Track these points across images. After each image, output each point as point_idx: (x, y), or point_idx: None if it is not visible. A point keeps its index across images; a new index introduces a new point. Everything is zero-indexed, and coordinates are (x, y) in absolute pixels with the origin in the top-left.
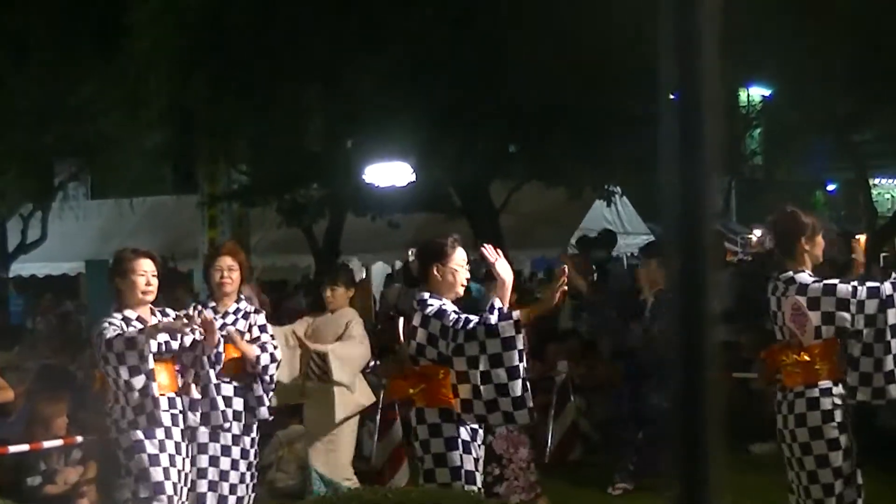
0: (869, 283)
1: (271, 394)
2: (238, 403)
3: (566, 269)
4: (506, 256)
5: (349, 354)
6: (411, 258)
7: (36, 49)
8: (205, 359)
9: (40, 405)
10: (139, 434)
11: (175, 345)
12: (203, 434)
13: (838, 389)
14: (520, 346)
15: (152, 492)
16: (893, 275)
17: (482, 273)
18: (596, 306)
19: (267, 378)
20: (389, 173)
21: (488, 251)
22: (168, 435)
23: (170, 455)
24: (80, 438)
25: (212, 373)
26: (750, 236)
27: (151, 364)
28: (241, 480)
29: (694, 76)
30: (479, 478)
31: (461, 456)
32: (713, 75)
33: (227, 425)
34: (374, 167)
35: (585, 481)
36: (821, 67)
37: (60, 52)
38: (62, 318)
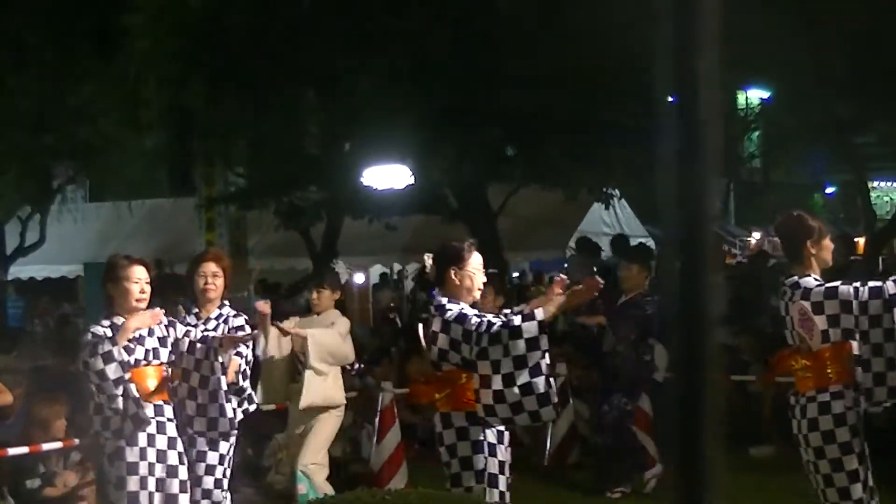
0: (871, 283)
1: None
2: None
3: (563, 278)
4: (503, 259)
5: (328, 342)
6: (428, 262)
7: (34, 51)
8: (217, 364)
9: (39, 408)
10: (122, 441)
11: (164, 352)
12: (202, 442)
13: (850, 393)
14: (544, 346)
15: (125, 501)
16: None
17: None
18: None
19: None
20: (387, 176)
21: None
22: (150, 442)
23: (149, 464)
24: (78, 441)
25: (223, 379)
26: (749, 239)
27: (126, 371)
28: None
29: (692, 79)
30: (503, 481)
31: (486, 459)
32: (712, 78)
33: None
34: (371, 170)
35: (584, 484)
36: (819, 70)
37: (59, 55)
38: (60, 320)
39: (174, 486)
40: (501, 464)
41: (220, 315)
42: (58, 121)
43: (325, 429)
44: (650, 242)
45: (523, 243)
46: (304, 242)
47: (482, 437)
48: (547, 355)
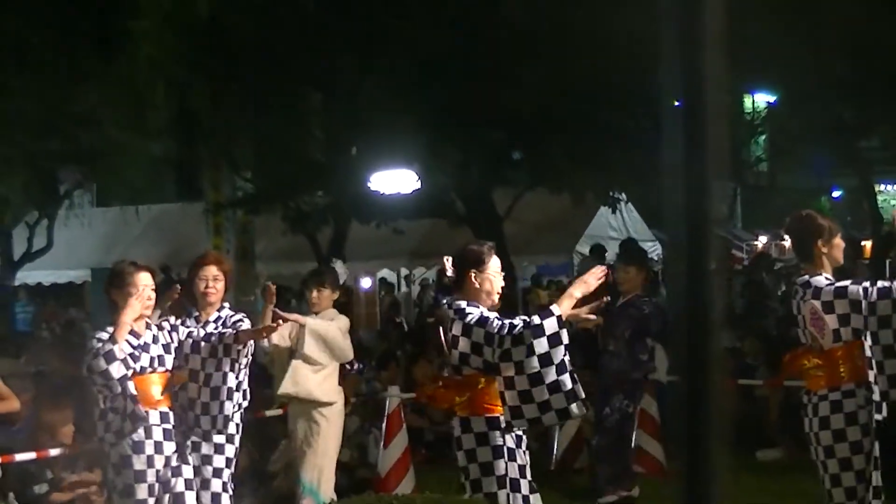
0: (880, 284)
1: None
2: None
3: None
4: (509, 263)
5: (324, 331)
6: (448, 266)
7: (40, 56)
8: (227, 360)
9: (46, 413)
10: (128, 449)
11: (169, 359)
12: (207, 446)
13: (862, 391)
14: (565, 340)
15: None
16: None
17: None
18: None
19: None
20: (394, 180)
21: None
22: (158, 450)
23: (157, 471)
24: (86, 446)
25: (230, 376)
26: (755, 243)
27: (129, 369)
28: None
29: (698, 82)
30: (525, 484)
31: (507, 464)
32: (717, 81)
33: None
34: (378, 174)
35: (590, 490)
36: (824, 74)
37: (65, 59)
38: (66, 325)
39: (182, 493)
40: (521, 468)
41: (219, 318)
42: (64, 126)
43: (328, 442)
44: (657, 246)
45: (530, 247)
46: (311, 247)
47: (502, 442)
48: (568, 350)
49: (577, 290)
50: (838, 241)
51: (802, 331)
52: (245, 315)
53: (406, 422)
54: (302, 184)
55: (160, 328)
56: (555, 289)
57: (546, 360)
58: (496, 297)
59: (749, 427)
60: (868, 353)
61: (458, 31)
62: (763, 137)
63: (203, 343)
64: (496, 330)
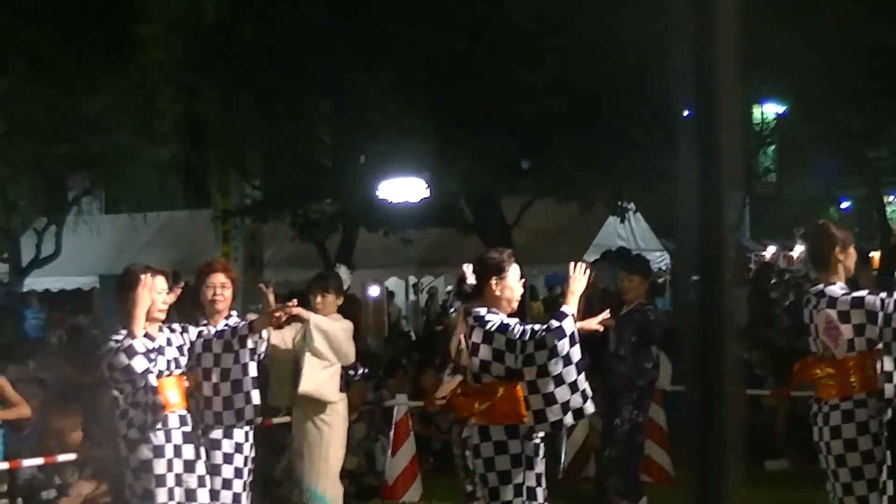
0: None
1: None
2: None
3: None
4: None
5: (331, 329)
6: (468, 273)
7: (49, 61)
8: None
9: (54, 419)
10: (148, 452)
11: (184, 361)
12: (228, 444)
13: (873, 401)
14: (577, 338)
15: None
16: None
17: None
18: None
19: None
20: (402, 189)
21: (577, 266)
22: (177, 453)
23: (176, 475)
24: (93, 452)
25: (251, 365)
26: (763, 253)
27: (150, 362)
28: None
29: (711, 93)
30: (541, 493)
31: (524, 473)
32: (731, 91)
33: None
34: (387, 182)
35: (598, 499)
36: (834, 84)
37: (73, 65)
38: (73, 332)
39: (202, 495)
40: (538, 476)
41: (227, 325)
42: (73, 132)
43: (331, 448)
44: (665, 256)
45: (538, 256)
46: (319, 254)
47: (520, 451)
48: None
49: (577, 286)
50: (852, 251)
51: (814, 340)
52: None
53: (413, 430)
54: (310, 191)
55: (172, 330)
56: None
57: (567, 360)
58: (515, 305)
59: (756, 437)
60: (882, 364)
61: (468, 39)
62: (772, 147)
63: (215, 339)
64: (518, 336)
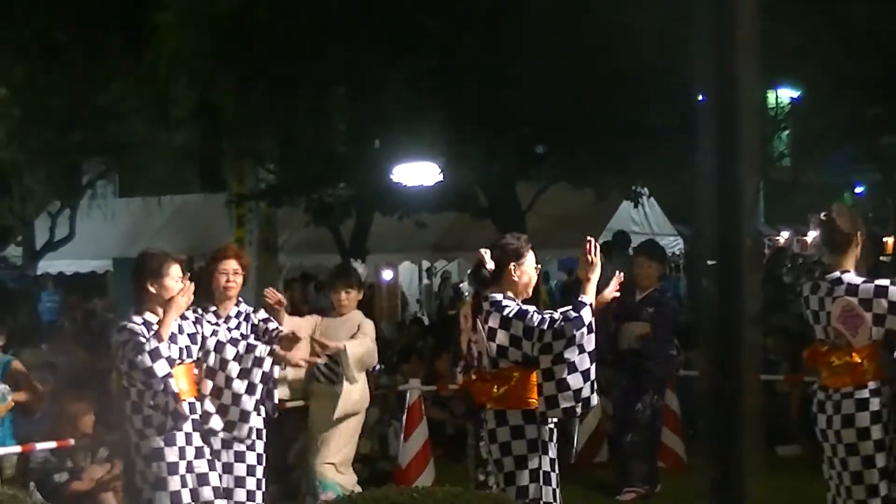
0: None
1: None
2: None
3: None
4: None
5: (363, 354)
6: (487, 258)
7: (64, 49)
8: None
9: (67, 403)
10: (160, 441)
11: (195, 349)
12: (239, 444)
13: (886, 389)
14: (594, 327)
15: (169, 501)
16: None
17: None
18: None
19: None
20: (417, 173)
21: (591, 245)
22: (188, 441)
23: (188, 462)
24: (106, 436)
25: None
26: (777, 238)
27: (172, 367)
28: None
29: (731, 80)
30: (555, 478)
31: (541, 457)
32: (750, 79)
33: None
34: (401, 167)
35: (610, 483)
36: (849, 70)
37: (88, 52)
38: (86, 315)
39: (214, 479)
40: (552, 461)
41: (240, 312)
42: (88, 118)
43: (348, 438)
44: (679, 241)
45: (552, 242)
46: (333, 239)
47: (537, 436)
48: None
49: (592, 273)
50: (864, 238)
51: (824, 327)
52: (268, 315)
53: (426, 415)
54: (325, 176)
55: (185, 318)
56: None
57: (582, 349)
58: (530, 291)
59: (769, 423)
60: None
61: (483, 25)
62: (786, 133)
63: (229, 345)
64: (536, 324)
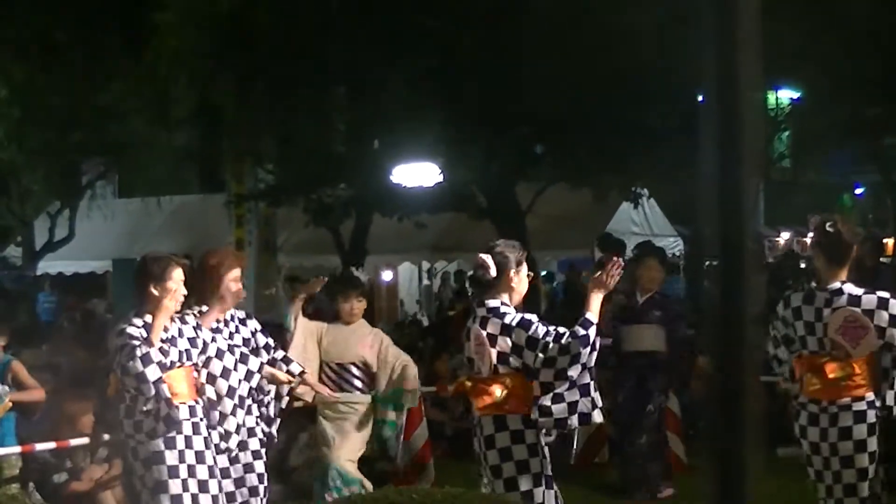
0: None
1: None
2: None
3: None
4: (531, 258)
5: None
6: (489, 263)
7: (64, 49)
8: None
9: (66, 403)
10: (160, 444)
11: (195, 353)
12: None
13: (877, 401)
14: (597, 346)
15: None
16: None
17: None
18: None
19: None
20: (416, 173)
21: (614, 265)
22: (188, 444)
23: (189, 466)
24: (106, 436)
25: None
26: (777, 239)
27: (164, 372)
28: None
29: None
30: (551, 481)
31: (542, 462)
32: (752, 80)
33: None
34: (401, 167)
35: (610, 485)
36: (849, 70)
37: (89, 52)
38: (86, 315)
39: (213, 486)
40: (547, 464)
41: (234, 316)
42: (87, 118)
43: (364, 434)
44: (678, 242)
45: (551, 242)
46: (333, 240)
47: (536, 440)
48: None
49: (600, 292)
50: (858, 248)
51: (820, 338)
52: (261, 327)
53: (426, 415)
54: (324, 176)
55: (184, 322)
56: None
57: (584, 366)
58: (520, 298)
59: (770, 423)
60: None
61: (482, 26)
62: (786, 133)
63: (227, 353)
64: (541, 336)
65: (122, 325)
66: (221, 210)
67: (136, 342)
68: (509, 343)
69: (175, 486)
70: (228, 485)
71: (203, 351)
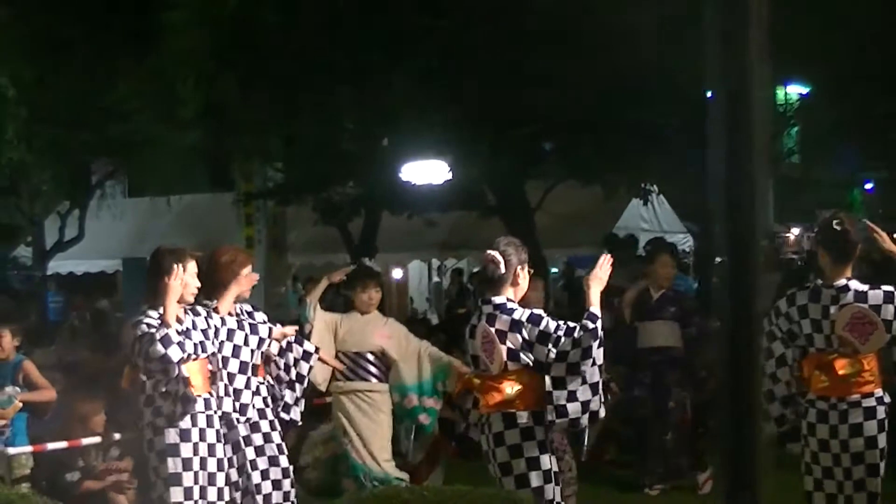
0: None
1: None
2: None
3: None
4: (540, 255)
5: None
6: (499, 260)
7: (73, 48)
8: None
9: (78, 402)
10: (175, 437)
11: (209, 345)
12: (258, 437)
13: (887, 397)
14: (603, 342)
15: (182, 496)
16: None
17: None
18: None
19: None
20: (425, 171)
21: (604, 260)
22: (202, 437)
23: (201, 458)
24: (118, 435)
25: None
26: (787, 235)
27: (184, 352)
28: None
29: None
30: (559, 478)
31: (550, 458)
32: (762, 73)
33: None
34: (410, 165)
35: (620, 481)
36: (858, 66)
37: (96, 52)
38: (96, 315)
39: (221, 479)
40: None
41: (242, 309)
42: (95, 117)
43: (388, 427)
44: (688, 239)
45: (561, 240)
46: (342, 238)
47: (545, 437)
48: None
49: (599, 286)
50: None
51: (827, 335)
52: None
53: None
54: (333, 174)
55: (197, 314)
56: None
57: (594, 362)
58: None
59: None
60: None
61: (490, 23)
62: (795, 129)
63: (238, 331)
64: (553, 330)
65: (138, 317)
66: (230, 209)
67: (154, 329)
68: (519, 339)
69: (188, 479)
70: (233, 474)
71: (216, 335)
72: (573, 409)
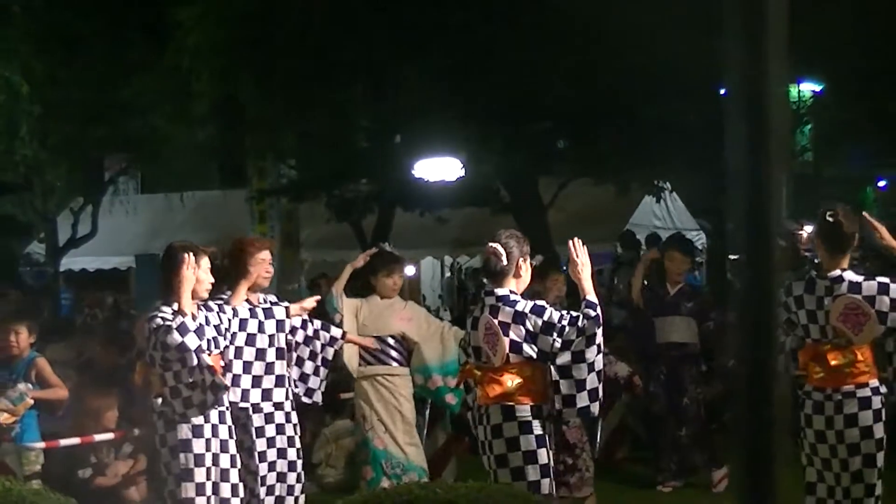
0: None
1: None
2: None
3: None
4: (554, 252)
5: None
6: (502, 253)
7: (86, 44)
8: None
9: (90, 399)
10: (187, 432)
11: (221, 340)
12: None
13: (883, 388)
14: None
15: (194, 492)
16: None
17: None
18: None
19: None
20: (438, 168)
21: (574, 245)
22: (214, 433)
23: (213, 454)
24: (130, 432)
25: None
26: (800, 233)
27: (202, 339)
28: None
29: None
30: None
31: (547, 452)
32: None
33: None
34: (423, 162)
35: (634, 479)
36: (872, 64)
37: (110, 48)
38: (110, 311)
39: (234, 475)
40: (550, 455)
41: (265, 299)
42: (109, 114)
43: (409, 407)
44: (701, 236)
45: (574, 237)
46: (355, 235)
47: (542, 431)
48: None
49: (586, 272)
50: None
51: (822, 326)
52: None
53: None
54: (346, 171)
55: (210, 309)
56: None
57: (598, 349)
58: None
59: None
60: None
61: (503, 19)
62: (808, 127)
63: (251, 319)
64: (557, 320)
65: (153, 311)
66: (244, 205)
67: (169, 321)
68: (523, 331)
69: (200, 475)
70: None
71: (228, 328)
72: (581, 398)
